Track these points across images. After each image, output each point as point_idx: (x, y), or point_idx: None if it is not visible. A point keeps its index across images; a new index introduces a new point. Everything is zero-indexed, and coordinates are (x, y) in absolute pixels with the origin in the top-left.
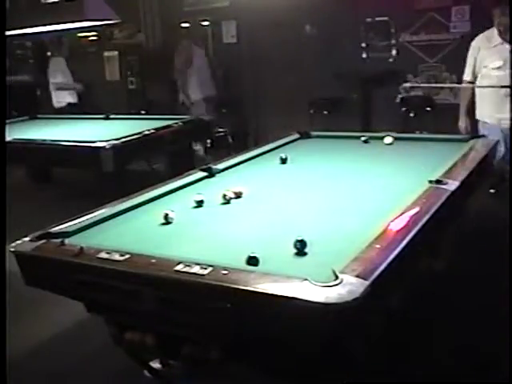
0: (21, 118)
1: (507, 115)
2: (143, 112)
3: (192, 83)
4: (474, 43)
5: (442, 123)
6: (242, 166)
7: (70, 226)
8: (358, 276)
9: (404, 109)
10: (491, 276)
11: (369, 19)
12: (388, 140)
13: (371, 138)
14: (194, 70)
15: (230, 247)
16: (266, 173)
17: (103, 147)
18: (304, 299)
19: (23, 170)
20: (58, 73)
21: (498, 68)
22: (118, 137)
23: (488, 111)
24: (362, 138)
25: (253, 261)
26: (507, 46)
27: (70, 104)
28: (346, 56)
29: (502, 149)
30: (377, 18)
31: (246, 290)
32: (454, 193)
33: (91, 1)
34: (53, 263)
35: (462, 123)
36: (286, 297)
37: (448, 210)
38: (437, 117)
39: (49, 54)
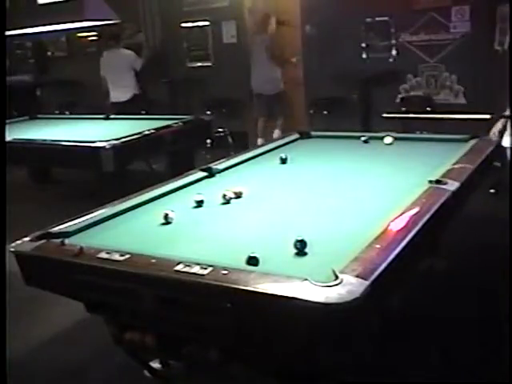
0: (21, 118)
1: None
2: (143, 112)
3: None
4: None
5: (441, 123)
6: (241, 166)
7: (70, 225)
8: (357, 276)
9: (404, 109)
10: (491, 276)
11: (369, 19)
12: (388, 140)
13: (371, 138)
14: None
15: (229, 247)
16: (266, 173)
17: (103, 147)
18: (304, 299)
19: (23, 170)
20: (135, 61)
21: None
22: (118, 137)
23: None
24: (362, 138)
25: (253, 261)
26: None
27: (135, 96)
28: (346, 56)
29: None
30: (377, 18)
31: (246, 290)
32: (454, 193)
33: (91, 1)
34: (53, 263)
35: None
36: (286, 297)
37: (448, 210)
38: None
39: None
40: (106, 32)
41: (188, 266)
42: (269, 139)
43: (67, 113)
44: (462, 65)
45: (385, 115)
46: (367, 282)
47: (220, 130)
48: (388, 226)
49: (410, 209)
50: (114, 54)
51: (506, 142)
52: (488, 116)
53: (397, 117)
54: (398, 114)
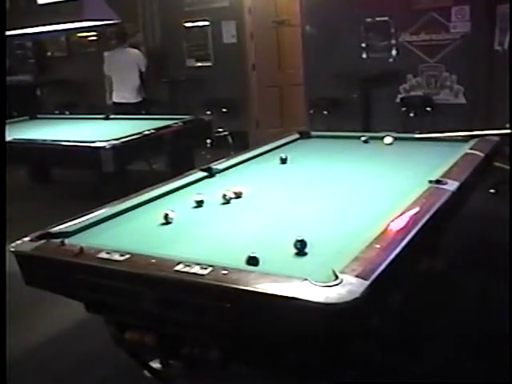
0: (21, 118)
1: None
2: (143, 112)
3: None
4: None
5: (441, 123)
6: (241, 165)
7: (70, 225)
8: (357, 276)
9: (404, 109)
10: (491, 276)
11: (369, 19)
12: (388, 140)
13: (371, 138)
14: None
15: (230, 247)
16: (266, 173)
17: (103, 147)
18: (304, 299)
19: (23, 170)
20: (141, 61)
21: None
22: (118, 137)
23: None
24: (362, 138)
25: (253, 261)
26: None
27: (144, 99)
28: (346, 56)
29: None
30: (377, 18)
31: (246, 290)
32: (454, 193)
33: (91, 1)
34: (53, 263)
35: None
36: (286, 297)
37: (448, 210)
38: (437, 117)
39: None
40: (111, 31)
41: (188, 265)
42: None
43: (67, 113)
44: (462, 65)
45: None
46: (367, 282)
47: (220, 129)
48: (388, 225)
49: (410, 209)
50: (121, 52)
51: None
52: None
53: None
54: None
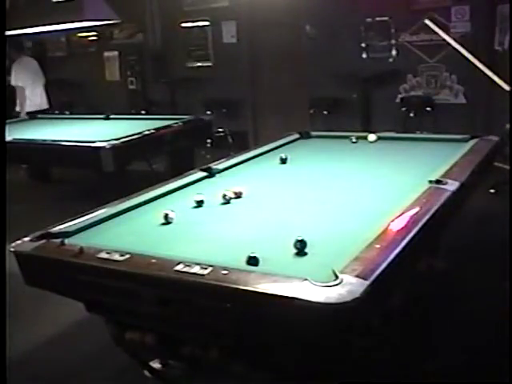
0: (21, 118)
1: None
2: (143, 112)
3: None
4: None
5: (441, 123)
6: (241, 165)
7: (70, 226)
8: (357, 276)
9: (404, 109)
10: (491, 276)
11: (369, 19)
12: (372, 138)
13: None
14: None
15: (229, 247)
16: (266, 173)
17: (103, 147)
18: (304, 299)
19: (23, 170)
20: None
21: None
22: (118, 137)
23: None
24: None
25: (253, 261)
26: None
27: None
28: (346, 56)
29: None
30: (377, 18)
31: (246, 290)
32: (454, 193)
33: (91, 1)
34: (53, 263)
35: None
36: (286, 297)
37: (448, 210)
38: (437, 117)
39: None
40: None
41: (188, 265)
42: None
43: (67, 113)
44: (462, 65)
45: None
46: (367, 282)
47: (220, 129)
48: (388, 225)
49: (410, 209)
50: (27, 61)
51: None
52: None
53: None
54: None
